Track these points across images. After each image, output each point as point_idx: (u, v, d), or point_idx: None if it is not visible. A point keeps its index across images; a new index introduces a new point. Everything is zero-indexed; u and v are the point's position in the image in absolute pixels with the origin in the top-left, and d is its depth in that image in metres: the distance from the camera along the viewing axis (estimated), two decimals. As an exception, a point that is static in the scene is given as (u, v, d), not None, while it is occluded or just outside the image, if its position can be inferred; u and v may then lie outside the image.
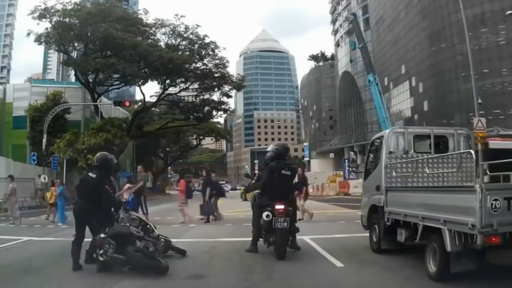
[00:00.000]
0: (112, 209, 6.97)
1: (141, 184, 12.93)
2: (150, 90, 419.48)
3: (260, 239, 7.83)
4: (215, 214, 14.32)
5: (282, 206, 7.21)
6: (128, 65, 34.65)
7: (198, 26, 40.31)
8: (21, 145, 36.05)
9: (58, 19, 33.90)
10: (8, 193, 14.92)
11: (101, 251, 6.17)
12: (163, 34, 40.07)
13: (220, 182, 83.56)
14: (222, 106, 45.64)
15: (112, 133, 31.96)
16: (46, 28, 34.97)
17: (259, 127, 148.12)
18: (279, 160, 7.78)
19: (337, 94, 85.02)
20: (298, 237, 7.96)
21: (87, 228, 6.68)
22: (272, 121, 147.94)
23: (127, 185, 12.90)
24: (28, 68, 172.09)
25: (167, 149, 64.33)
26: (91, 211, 6.53)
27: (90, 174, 6.76)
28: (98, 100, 38.20)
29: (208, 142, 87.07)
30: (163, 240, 7.34)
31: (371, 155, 8.42)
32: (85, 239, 6.66)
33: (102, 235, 6.28)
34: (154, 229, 7.39)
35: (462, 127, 8.39)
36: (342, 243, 8.84)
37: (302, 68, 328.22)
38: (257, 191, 8.33)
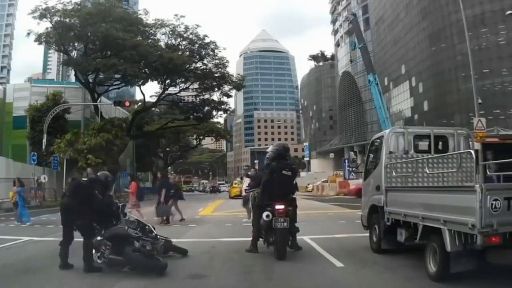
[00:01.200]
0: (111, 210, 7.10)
1: None
2: (150, 90, 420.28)
3: (260, 239, 7.84)
4: (181, 215, 14.23)
5: (282, 206, 7.22)
6: (129, 66, 34.64)
7: (198, 26, 40.25)
8: (21, 145, 36.03)
9: (59, 19, 33.88)
10: None
11: (98, 254, 6.18)
12: (163, 34, 40.05)
13: (219, 183, 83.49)
14: (222, 106, 45.60)
15: (113, 133, 31.94)
16: (46, 28, 34.98)
17: (259, 127, 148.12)
18: (280, 160, 7.79)
19: (337, 94, 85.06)
20: (298, 237, 7.96)
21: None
22: (272, 121, 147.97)
23: None
24: (28, 68, 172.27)
25: (167, 149, 64.31)
26: (77, 210, 6.47)
27: (84, 179, 7.23)
28: (98, 100, 38.18)
29: (208, 142, 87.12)
30: (163, 240, 7.34)
31: (371, 155, 8.42)
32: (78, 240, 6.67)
33: (99, 238, 6.28)
34: (153, 229, 7.39)
35: (462, 127, 8.39)
36: (342, 243, 8.85)
37: (302, 68, 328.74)
38: (257, 191, 8.34)
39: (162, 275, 6.01)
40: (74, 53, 38.42)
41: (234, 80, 44.20)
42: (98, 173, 7.63)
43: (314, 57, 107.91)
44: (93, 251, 6.39)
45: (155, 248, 6.80)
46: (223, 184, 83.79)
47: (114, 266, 6.27)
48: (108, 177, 7.51)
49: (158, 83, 41.22)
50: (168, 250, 7.42)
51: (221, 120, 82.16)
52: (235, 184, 33.94)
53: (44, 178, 26.22)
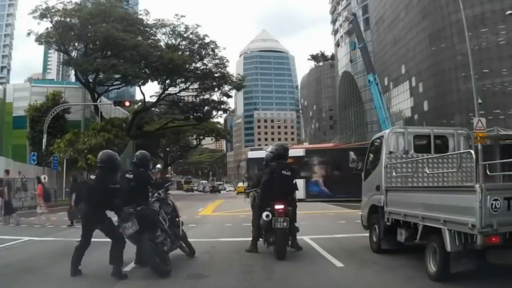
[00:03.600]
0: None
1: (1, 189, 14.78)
2: (150, 90, 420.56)
3: (260, 239, 7.84)
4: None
5: (282, 206, 7.23)
6: (129, 66, 34.63)
7: (198, 26, 40.25)
8: (21, 145, 36.04)
9: (59, 19, 33.89)
10: None
11: (123, 224, 6.00)
12: (163, 34, 40.07)
13: (217, 183, 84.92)
14: (222, 106, 45.62)
15: (113, 133, 31.93)
16: (47, 28, 34.98)
17: (259, 127, 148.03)
18: (279, 160, 7.78)
19: (337, 94, 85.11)
20: (298, 237, 7.97)
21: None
22: (272, 121, 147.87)
23: None
24: (28, 68, 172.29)
25: (167, 149, 64.29)
26: (95, 214, 6.20)
27: (91, 176, 6.66)
28: (98, 100, 38.18)
29: (208, 142, 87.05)
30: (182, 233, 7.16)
31: (371, 155, 8.41)
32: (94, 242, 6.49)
33: (132, 210, 6.06)
34: (181, 225, 7.14)
35: (462, 127, 8.40)
36: (342, 243, 8.85)
37: (302, 68, 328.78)
38: (257, 191, 8.33)
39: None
40: (74, 53, 38.43)
41: (234, 80, 44.20)
42: (99, 156, 6.62)
43: (314, 57, 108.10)
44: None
45: (171, 248, 6.65)
46: (221, 184, 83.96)
47: (132, 242, 6.17)
48: (111, 155, 6.62)
49: (158, 83, 41.26)
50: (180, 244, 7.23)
51: (221, 120, 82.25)
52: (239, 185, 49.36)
53: (44, 178, 26.15)
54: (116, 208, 6.25)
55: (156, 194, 6.84)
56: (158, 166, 10.58)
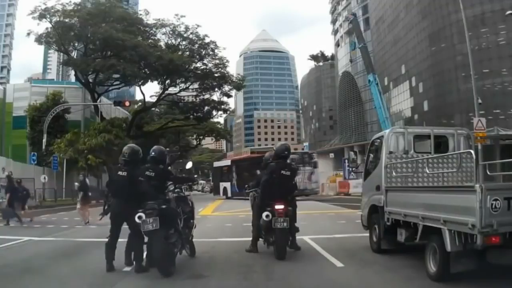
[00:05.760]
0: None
1: None
2: (150, 90, 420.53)
3: (260, 239, 7.84)
4: (19, 217, 14.52)
5: (282, 206, 7.22)
6: (128, 66, 34.60)
7: (198, 26, 40.20)
8: (21, 145, 36.07)
9: (58, 19, 33.86)
10: None
11: (143, 217, 5.91)
12: (163, 34, 40.03)
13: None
14: (222, 106, 45.58)
15: (113, 133, 31.92)
16: (46, 28, 34.94)
17: (259, 127, 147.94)
18: (279, 160, 7.78)
19: (337, 94, 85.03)
20: (298, 237, 7.97)
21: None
22: (272, 121, 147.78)
23: None
24: (28, 68, 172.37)
25: (167, 149, 64.12)
26: (127, 209, 6.23)
27: (120, 173, 6.55)
28: (98, 100, 38.17)
29: (208, 142, 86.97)
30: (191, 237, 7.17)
31: (371, 155, 8.41)
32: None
33: (156, 207, 6.03)
34: (194, 228, 7.16)
35: (462, 127, 8.39)
36: (342, 243, 8.84)
37: (302, 68, 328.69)
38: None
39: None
40: (74, 53, 38.42)
41: (234, 80, 44.17)
42: (124, 150, 6.73)
43: (314, 57, 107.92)
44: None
45: (180, 250, 6.66)
46: None
47: (145, 235, 6.17)
48: (135, 149, 6.73)
49: (158, 83, 41.24)
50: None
51: (221, 120, 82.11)
52: None
53: (44, 178, 26.23)
54: (141, 201, 6.28)
55: (177, 190, 6.88)
56: (190, 163, 10.51)
